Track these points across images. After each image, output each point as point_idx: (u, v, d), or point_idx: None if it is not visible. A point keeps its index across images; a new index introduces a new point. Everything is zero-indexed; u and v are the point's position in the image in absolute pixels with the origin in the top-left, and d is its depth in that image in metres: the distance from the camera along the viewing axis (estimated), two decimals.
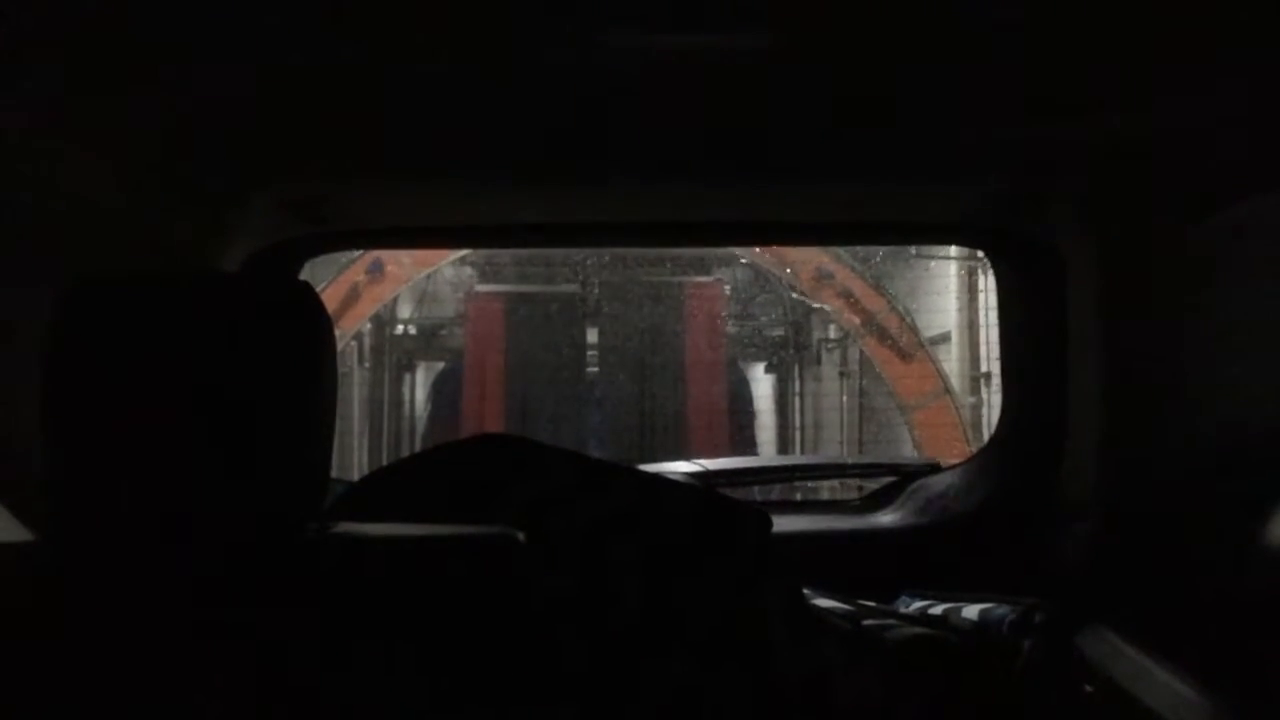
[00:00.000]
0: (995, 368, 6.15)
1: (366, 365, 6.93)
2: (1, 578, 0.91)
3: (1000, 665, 1.48)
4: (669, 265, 6.48)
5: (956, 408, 6.45)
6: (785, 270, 6.44)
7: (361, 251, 6.03)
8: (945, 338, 6.78)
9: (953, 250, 6.44)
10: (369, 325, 6.76)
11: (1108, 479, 1.63)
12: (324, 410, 0.94)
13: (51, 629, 0.89)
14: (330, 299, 6.08)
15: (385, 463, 6.31)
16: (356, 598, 0.91)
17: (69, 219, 1.35)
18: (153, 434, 0.88)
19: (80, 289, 0.90)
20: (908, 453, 6.32)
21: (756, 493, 2.86)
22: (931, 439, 6.26)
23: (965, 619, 1.55)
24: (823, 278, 6.45)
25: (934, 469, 2.04)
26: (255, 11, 1.00)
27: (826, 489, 4.48)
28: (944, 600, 1.60)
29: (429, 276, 6.80)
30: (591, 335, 6.54)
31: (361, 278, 6.29)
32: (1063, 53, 1.12)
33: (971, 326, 6.58)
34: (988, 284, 6.21)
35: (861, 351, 6.71)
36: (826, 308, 6.65)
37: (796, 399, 7.20)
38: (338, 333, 6.13)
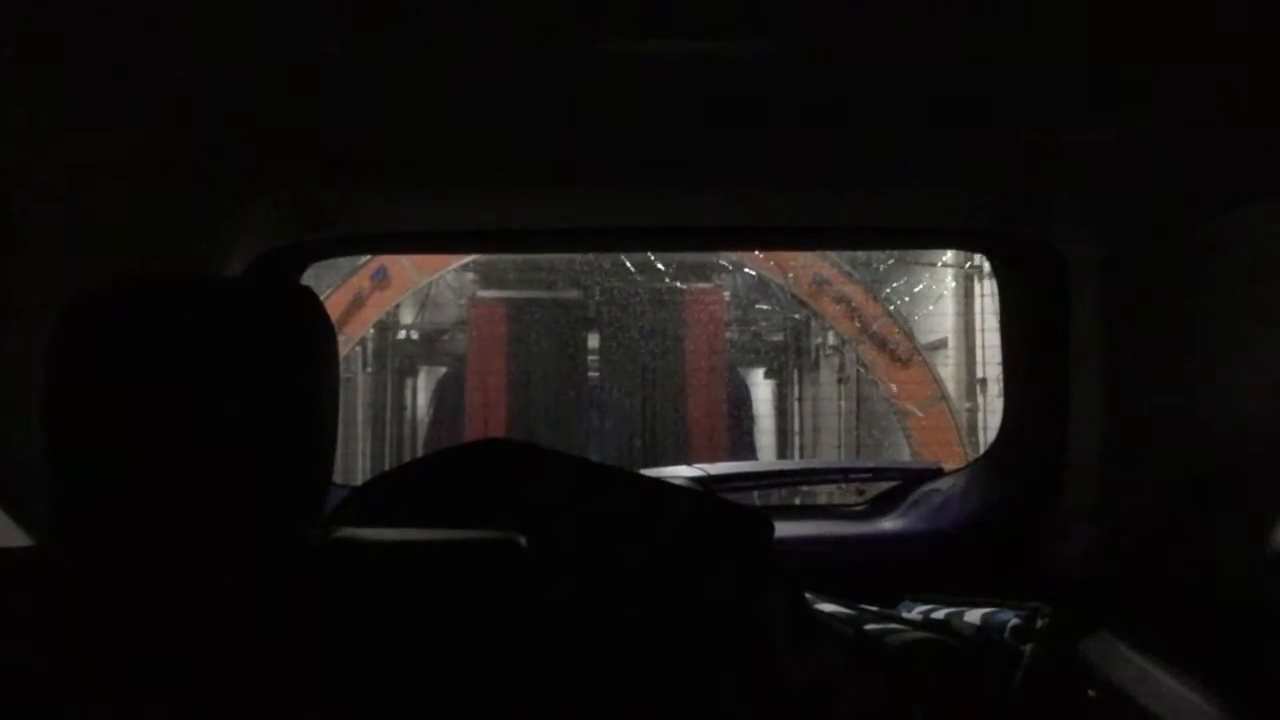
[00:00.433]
0: (991, 373, 6.22)
1: (369, 370, 6.95)
2: (2, 580, 0.90)
3: (1003, 670, 1.46)
4: (669, 271, 6.48)
5: (952, 413, 6.48)
6: (787, 276, 6.45)
7: (367, 258, 6.07)
8: (942, 343, 6.80)
9: (949, 257, 6.47)
10: (372, 330, 6.78)
11: (1110, 483, 1.62)
12: (326, 415, 0.93)
13: (52, 631, 0.88)
14: (336, 305, 6.14)
15: (388, 467, 6.36)
16: (358, 603, 0.90)
17: (71, 223, 1.35)
18: (154, 438, 0.87)
19: (83, 294, 0.90)
20: (905, 457, 6.34)
21: (756, 497, 2.85)
22: (928, 443, 6.29)
23: (968, 624, 1.53)
24: (820, 285, 6.47)
25: (937, 473, 2.03)
26: (256, 14, 0.99)
27: (824, 493, 4.48)
28: (946, 605, 1.58)
29: (431, 282, 6.81)
30: (593, 341, 6.55)
31: (367, 284, 6.32)
32: (1064, 56, 1.10)
33: (968, 333, 6.60)
34: (983, 291, 6.24)
35: (859, 357, 6.72)
36: (825, 315, 6.67)
37: (796, 404, 7.22)
38: (343, 338, 6.20)
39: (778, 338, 7.27)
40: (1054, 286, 1.68)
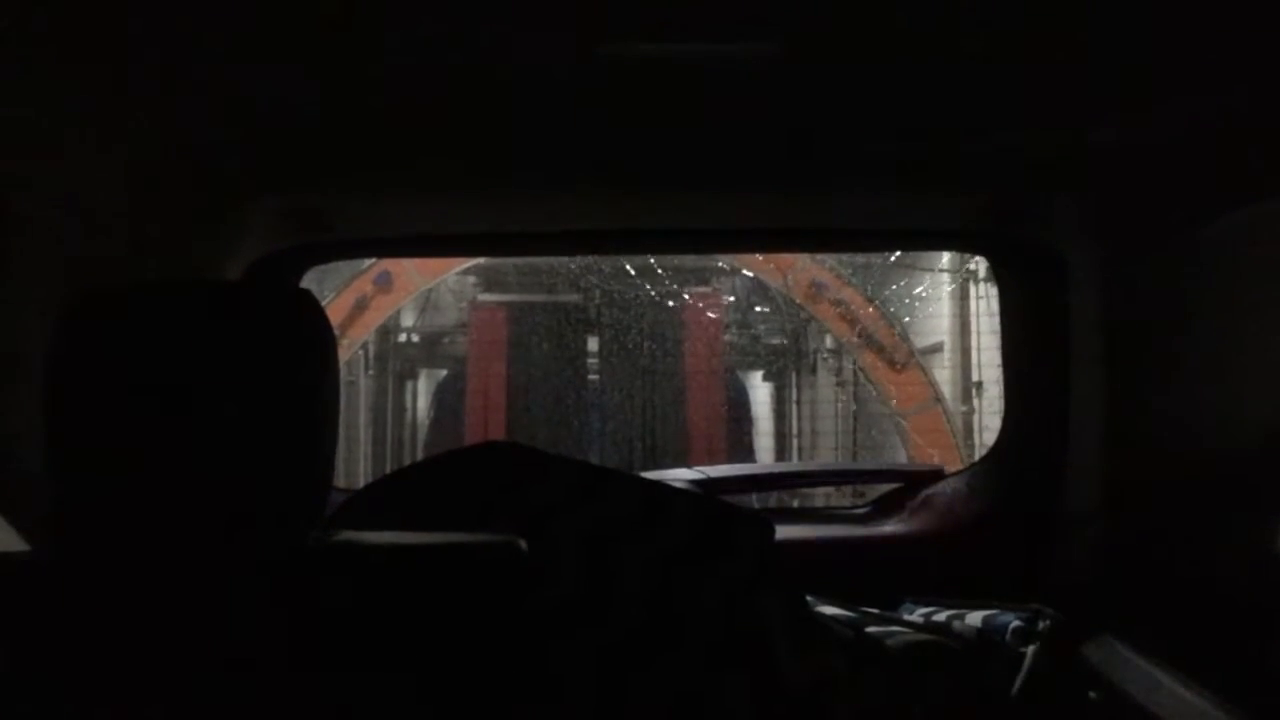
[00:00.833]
0: (987, 376, 6.24)
1: (371, 373, 6.96)
2: (2, 583, 0.90)
3: (1004, 673, 1.46)
4: (669, 275, 6.49)
5: (947, 415, 6.49)
6: (786, 278, 6.46)
7: (370, 262, 6.08)
8: (938, 347, 6.81)
9: (945, 262, 6.48)
10: (373, 333, 6.78)
11: (1111, 485, 1.61)
12: (325, 418, 0.92)
13: (52, 635, 0.87)
14: (340, 308, 6.15)
15: (388, 469, 6.36)
16: (359, 606, 0.89)
17: (71, 225, 1.33)
18: (154, 441, 0.86)
19: (83, 296, 0.89)
20: (901, 459, 6.35)
21: (755, 500, 2.84)
22: (923, 446, 6.31)
23: (969, 626, 1.52)
24: (817, 289, 6.48)
25: (937, 475, 2.02)
26: (256, 17, 0.98)
27: (821, 495, 4.47)
28: (947, 607, 1.58)
29: (432, 286, 6.82)
30: (593, 344, 6.54)
31: (370, 288, 6.32)
32: (1064, 57, 1.09)
33: (964, 336, 6.61)
34: (978, 295, 6.25)
35: (855, 361, 6.74)
36: (822, 319, 6.68)
37: (794, 406, 7.22)
38: (346, 342, 6.22)
39: (776, 341, 7.27)
40: (1054, 288, 1.68)
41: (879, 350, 6.54)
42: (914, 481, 2.03)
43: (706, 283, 6.72)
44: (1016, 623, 1.49)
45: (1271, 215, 1.24)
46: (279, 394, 0.89)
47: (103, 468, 0.87)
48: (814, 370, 7.21)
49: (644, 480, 1.48)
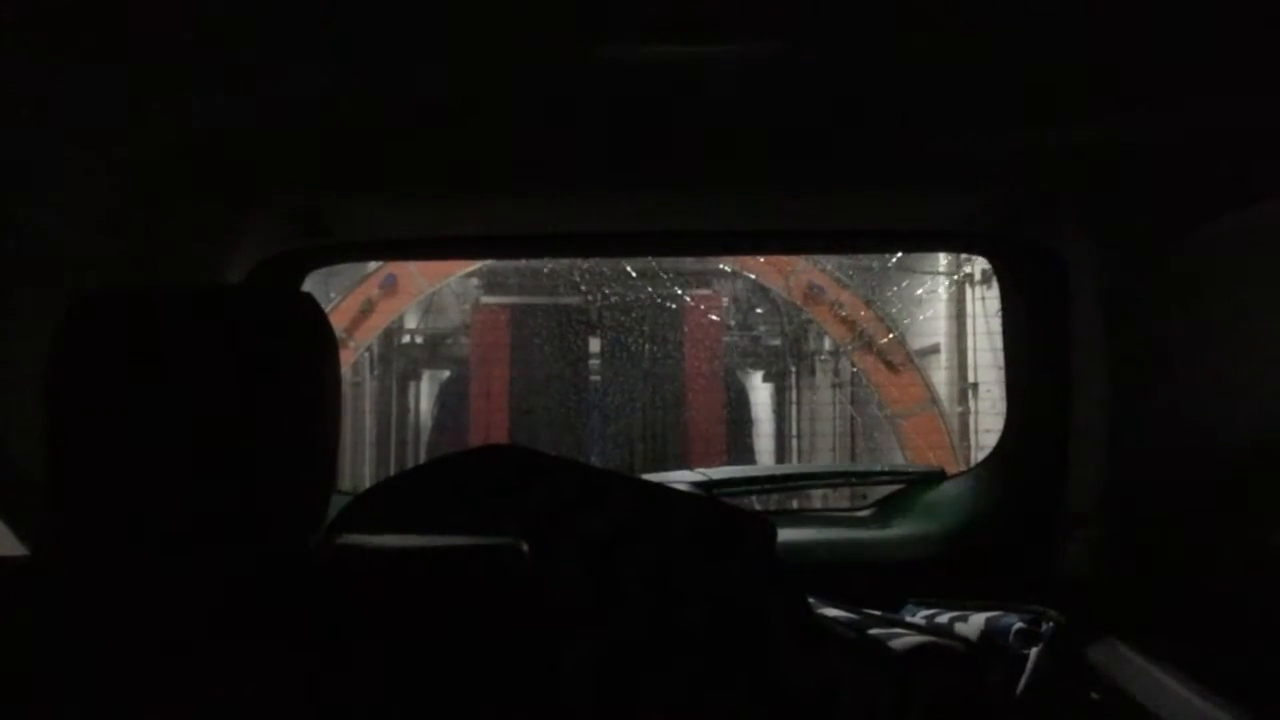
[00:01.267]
0: (982, 377, 6.26)
1: (375, 374, 6.98)
2: (3, 586, 0.88)
3: (1007, 674, 1.44)
4: (670, 277, 6.50)
5: (942, 416, 6.53)
6: (788, 279, 6.47)
7: (375, 266, 6.11)
8: (935, 349, 6.84)
9: (942, 266, 6.50)
10: (377, 336, 6.81)
11: (1113, 486, 1.59)
12: (327, 421, 0.91)
13: (51, 638, 0.86)
14: (346, 312, 6.21)
15: (392, 469, 6.37)
16: (361, 610, 0.88)
17: (72, 229, 1.33)
18: (155, 445, 0.85)
19: (84, 301, 0.89)
20: (897, 459, 6.36)
21: (755, 502, 2.82)
22: (919, 446, 6.36)
23: (971, 627, 1.51)
24: (815, 292, 6.50)
25: (939, 476, 2.00)
26: (257, 20, 0.97)
27: (819, 495, 4.47)
28: (950, 609, 1.56)
29: (436, 289, 6.85)
30: (594, 345, 6.55)
31: (375, 292, 6.37)
32: (1065, 57, 1.08)
33: (960, 339, 6.63)
34: (974, 298, 6.27)
35: (853, 363, 6.75)
36: (819, 321, 6.71)
37: (793, 408, 7.24)
38: (353, 344, 6.24)
39: (776, 343, 7.28)
40: (1055, 288, 1.66)
41: (876, 352, 6.56)
42: (916, 483, 2.02)
43: (707, 285, 6.74)
44: (1019, 624, 1.47)
45: (1272, 215, 1.23)
46: (280, 398, 0.88)
47: (103, 470, 0.86)
48: (813, 372, 7.23)
49: (645, 482, 1.47)
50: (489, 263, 6.27)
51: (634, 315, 6.40)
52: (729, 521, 1.30)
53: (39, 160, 1.22)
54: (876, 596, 1.57)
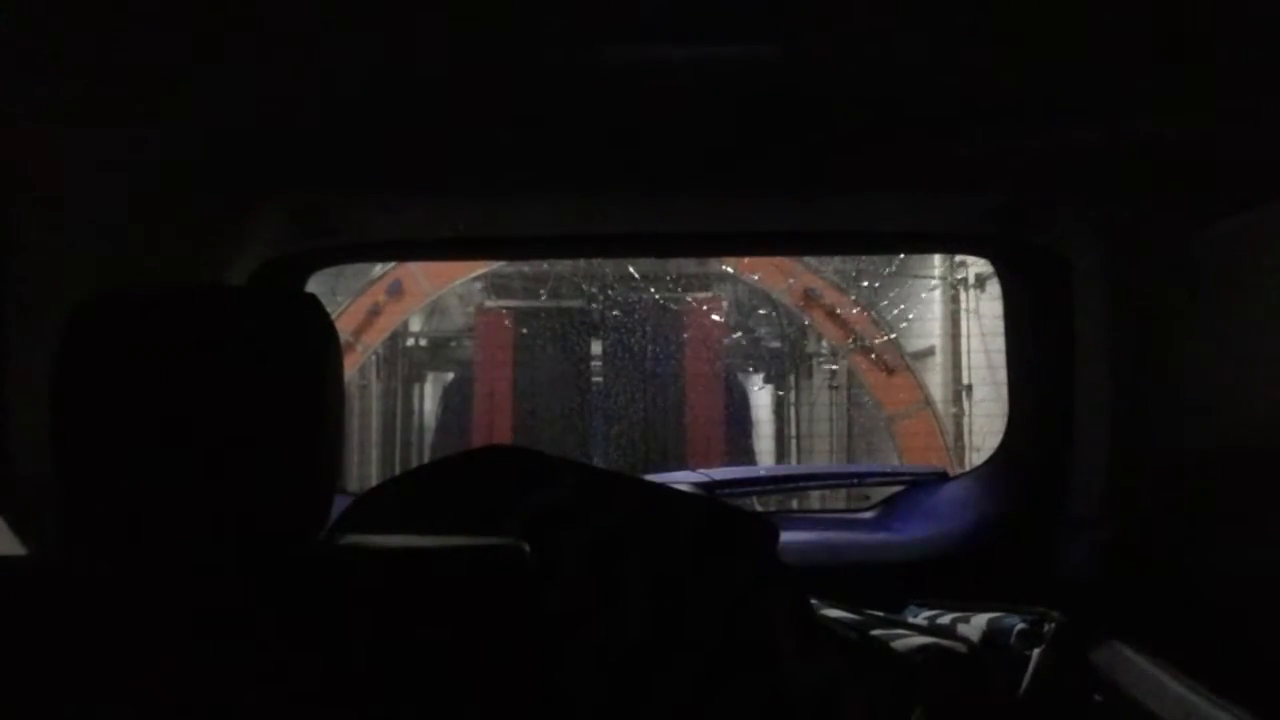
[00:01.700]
0: (977, 379, 6.28)
1: (381, 376, 7.01)
2: (5, 586, 0.88)
3: (1009, 676, 1.43)
4: (671, 280, 6.50)
5: (937, 417, 6.57)
6: (788, 280, 6.48)
7: (383, 271, 6.14)
8: (930, 351, 6.85)
9: (936, 270, 6.52)
10: (383, 339, 6.84)
11: (1116, 487, 1.58)
12: (330, 422, 0.90)
13: (56, 638, 0.86)
14: (354, 315, 6.25)
15: (397, 469, 6.39)
16: (363, 610, 0.88)
17: (74, 230, 1.31)
18: (159, 446, 0.85)
19: (88, 302, 0.88)
20: (893, 460, 6.38)
21: (756, 503, 2.81)
22: (914, 447, 6.39)
23: (974, 629, 1.49)
24: (812, 295, 6.51)
25: (941, 477, 1.99)
26: (258, 20, 0.95)
27: (816, 496, 4.46)
28: (952, 610, 1.54)
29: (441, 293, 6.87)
30: (596, 348, 6.56)
31: (382, 296, 6.41)
32: (1065, 58, 1.07)
33: (955, 341, 6.65)
34: (968, 302, 6.29)
35: (849, 365, 6.76)
36: (816, 324, 6.72)
37: (792, 409, 7.26)
38: (360, 347, 6.26)
39: (776, 345, 7.29)
40: (1058, 290, 1.65)
41: (872, 355, 6.58)
42: (918, 484, 2.00)
43: (708, 288, 6.76)
44: (1021, 626, 1.46)
45: (1274, 216, 1.22)
46: (284, 398, 0.87)
47: (108, 471, 0.86)
48: (812, 374, 7.24)
49: (647, 483, 1.46)
50: (493, 267, 6.29)
51: (636, 317, 6.41)
52: (731, 522, 1.29)
53: (44, 161, 1.21)
54: (878, 598, 1.55)
